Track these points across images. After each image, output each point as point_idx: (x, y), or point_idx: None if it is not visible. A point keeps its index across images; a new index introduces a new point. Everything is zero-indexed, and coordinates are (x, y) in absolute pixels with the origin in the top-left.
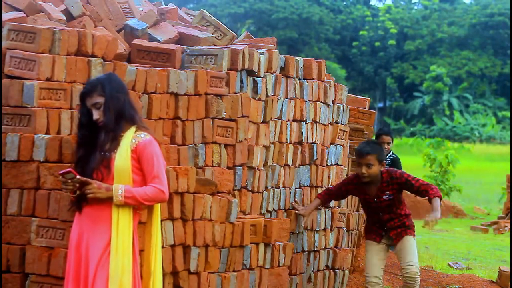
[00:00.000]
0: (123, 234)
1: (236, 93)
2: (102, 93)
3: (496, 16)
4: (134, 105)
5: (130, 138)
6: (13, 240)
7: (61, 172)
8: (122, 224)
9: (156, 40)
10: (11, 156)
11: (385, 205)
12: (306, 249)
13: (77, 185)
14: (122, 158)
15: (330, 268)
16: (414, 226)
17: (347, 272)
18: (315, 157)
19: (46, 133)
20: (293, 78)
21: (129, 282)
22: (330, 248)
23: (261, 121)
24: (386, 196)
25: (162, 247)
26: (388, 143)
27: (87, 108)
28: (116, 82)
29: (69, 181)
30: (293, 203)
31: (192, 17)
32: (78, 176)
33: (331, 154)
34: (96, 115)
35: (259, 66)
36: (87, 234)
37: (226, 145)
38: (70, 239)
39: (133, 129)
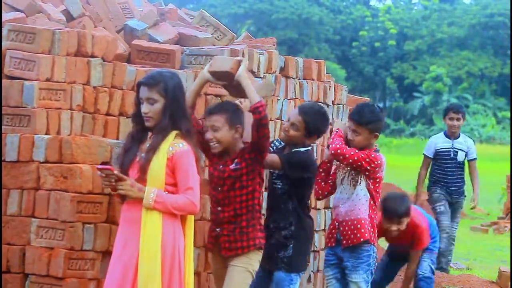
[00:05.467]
0: (151, 239)
1: None
2: (163, 93)
3: (496, 16)
4: (187, 111)
5: (168, 144)
6: (13, 240)
7: (99, 166)
8: (150, 228)
9: (156, 41)
10: (11, 157)
11: None
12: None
13: (113, 181)
14: (157, 163)
15: None
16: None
17: None
18: (315, 157)
19: (46, 134)
20: (293, 78)
21: None
22: None
23: None
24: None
25: None
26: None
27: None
28: (179, 84)
29: (105, 176)
30: None
31: (192, 17)
32: (115, 172)
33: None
34: (145, 109)
35: (258, 66)
36: (124, 235)
37: None
38: (116, 238)
39: (173, 134)
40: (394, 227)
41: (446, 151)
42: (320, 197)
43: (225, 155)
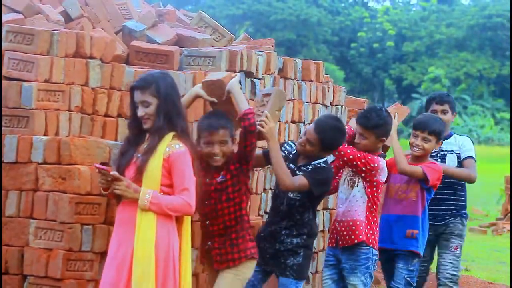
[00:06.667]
0: (145, 240)
1: None
2: (156, 93)
3: (494, 17)
4: (182, 110)
5: (165, 145)
6: (11, 241)
7: (97, 165)
8: (144, 229)
9: (155, 42)
10: (10, 158)
11: None
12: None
13: (109, 179)
14: (154, 164)
15: None
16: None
17: None
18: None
19: (45, 135)
20: (292, 79)
21: None
22: None
23: None
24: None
25: None
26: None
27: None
28: (171, 84)
29: (102, 174)
30: None
31: (190, 18)
32: (112, 172)
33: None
34: (141, 112)
35: (257, 67)
36: (118, 235)
37: None
38: (111, 240)
39: (170, 135)
40: (418, 142)
41: (431, 156)
42: None
43: (212, 169)
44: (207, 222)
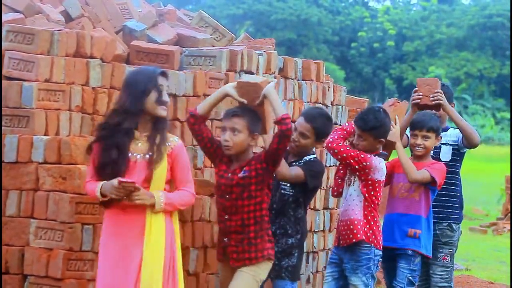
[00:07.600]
0: (155, 244)
1: None
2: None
3: (494, 17)
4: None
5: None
6: (11, 241)
7: (122, 180)
8: (156, 233)
9: (155, 41)
10: (10, 157)
11: None
12: (305, 250)
13: (132, 189)
14: (161, 165)
15: None
16: None
17: None
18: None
19: (45, 134)
20: (292, 79)
21: None
22: (329, 249)
23: None
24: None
25: None
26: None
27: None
28: (127, 81)
29: (121, 187)
30: None
31: (190, 18)
32: (136, 184)
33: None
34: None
35: (257, 67)
36: (124, 237)
37: None
38: (109, 240)
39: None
40: (419, 141)
41: None
42: (335, 193)
43: (235, 163)
44: (226, 217)
